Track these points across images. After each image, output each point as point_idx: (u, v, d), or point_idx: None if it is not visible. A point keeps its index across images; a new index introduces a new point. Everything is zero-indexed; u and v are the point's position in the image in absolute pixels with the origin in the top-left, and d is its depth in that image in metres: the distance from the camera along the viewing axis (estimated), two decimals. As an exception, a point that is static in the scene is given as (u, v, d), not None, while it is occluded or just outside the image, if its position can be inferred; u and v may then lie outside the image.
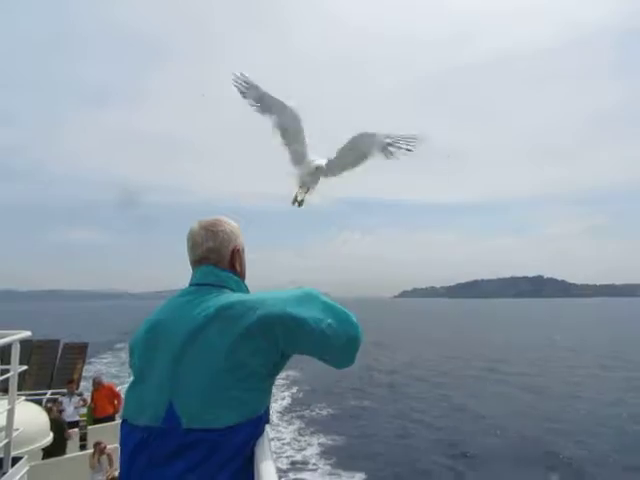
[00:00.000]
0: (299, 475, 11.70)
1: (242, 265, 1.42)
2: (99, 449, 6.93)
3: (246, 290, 1.37)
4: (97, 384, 9.75)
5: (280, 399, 19.73)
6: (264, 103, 2.82)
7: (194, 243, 1.38)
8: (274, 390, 1.56)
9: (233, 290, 1.32)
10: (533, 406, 19.07)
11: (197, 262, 1.38)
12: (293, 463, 12.39)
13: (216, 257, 1.36)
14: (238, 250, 1.40)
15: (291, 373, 24.47)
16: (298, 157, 2.83)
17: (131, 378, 1.31)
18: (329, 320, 1.20)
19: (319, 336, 1.19)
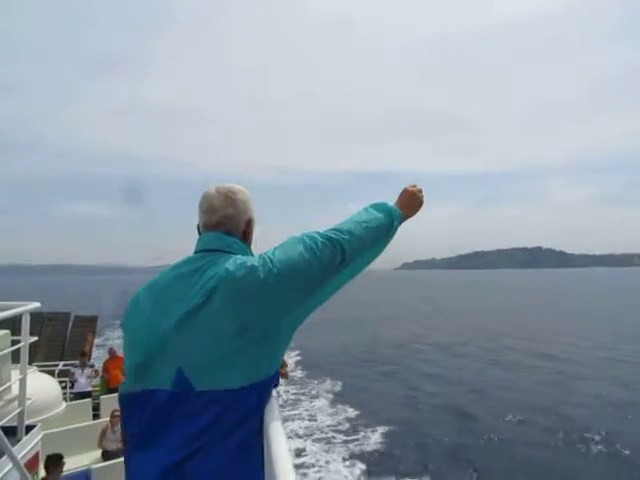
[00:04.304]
0: (306, 442, 11.80)
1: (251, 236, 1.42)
2: (114, 417, 7.10)
3: (250, 254, 1.36)
4: (112, 353, 9.98)
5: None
6: None
7: (211, 207, 1.36)
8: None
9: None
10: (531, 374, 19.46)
11: (211, 226, 1.36)
12: (299, 433, 12.51)
13: (232, 224, 1.35)
14: (251, 220, 1.40)
15: (295, 348, 24.87)
16: None
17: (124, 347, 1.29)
18: (317, 244, 1.24)
19: (317, 265, 1.22)
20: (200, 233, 1.39)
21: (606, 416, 13.54)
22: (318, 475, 9.20)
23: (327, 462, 9.72)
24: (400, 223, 1.49)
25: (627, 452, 10.86)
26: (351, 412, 13.82)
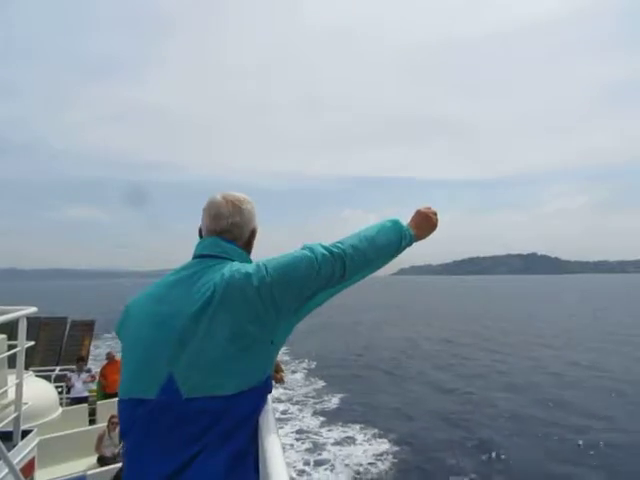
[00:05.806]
0: (287, 404, 15.17)
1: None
2: (112, 423, 7.05)
3: (249, 262, 1.36)
4: (111, 358, 9.89)
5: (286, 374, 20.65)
6: None
7: (218, 214, 1.36)
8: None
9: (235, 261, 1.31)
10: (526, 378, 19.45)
11: (216, 233, 1.35)
12: (282, 399, 15.96)
13: (238, 233, 1.36)
14: (255, 231, 1.42)
15: (290, 352, 24.86)
16: None
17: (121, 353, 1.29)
18: (317, 257, 1.25)
19: (315, 278, 1.23)
20: (201, 237, 1.39)
21: (580, 397, 16.05)
22: (295, 423, 13.73)
23: (302, 417, 14.51)
24: (410, 244, 1.46)
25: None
26: (320, 384, 18.82)
